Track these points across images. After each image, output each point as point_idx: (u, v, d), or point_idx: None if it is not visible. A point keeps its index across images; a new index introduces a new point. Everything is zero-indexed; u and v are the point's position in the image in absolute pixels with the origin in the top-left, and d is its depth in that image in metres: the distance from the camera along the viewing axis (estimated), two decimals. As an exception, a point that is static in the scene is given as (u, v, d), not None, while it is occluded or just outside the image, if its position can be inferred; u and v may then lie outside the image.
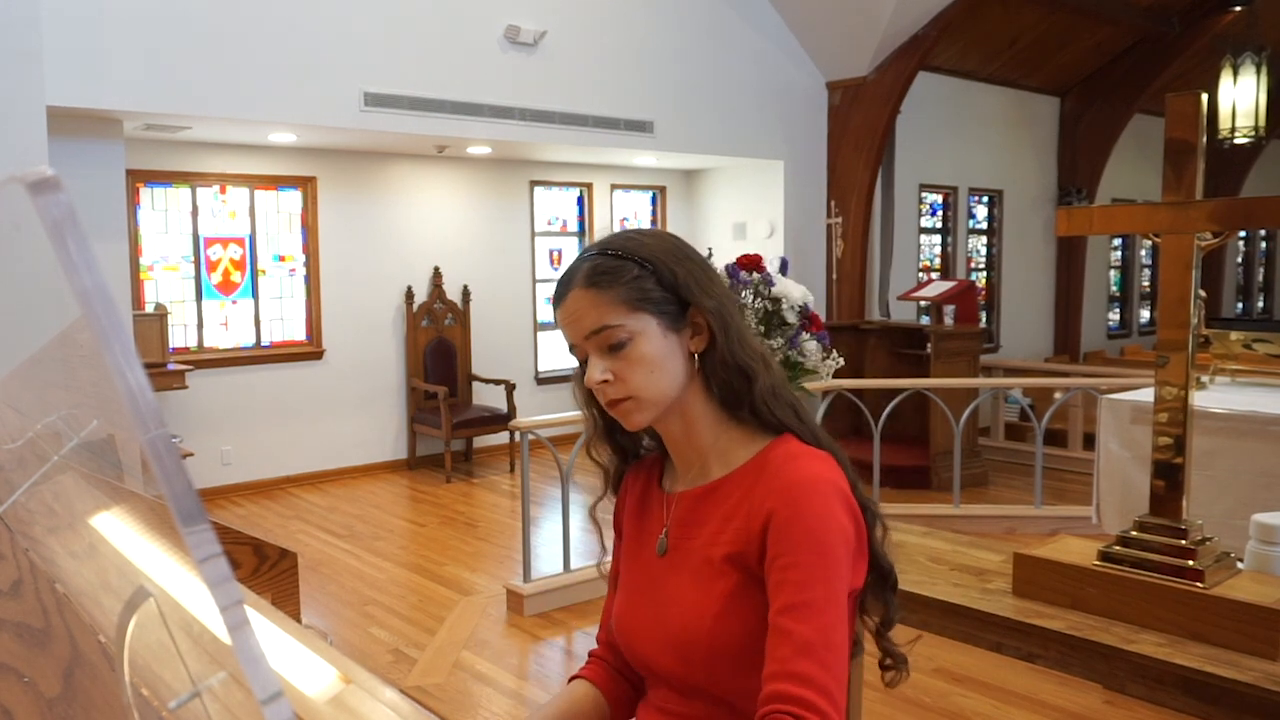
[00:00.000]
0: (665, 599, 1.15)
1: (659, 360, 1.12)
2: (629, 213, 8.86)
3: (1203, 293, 2.07)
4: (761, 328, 2.11)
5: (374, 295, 7.23)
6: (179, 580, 0.70)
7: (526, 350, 8.14)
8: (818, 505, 1.06)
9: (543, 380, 8.22)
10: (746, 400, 1.15)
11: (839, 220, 8.26)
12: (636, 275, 1.11)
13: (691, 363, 1.15)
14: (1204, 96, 1.73)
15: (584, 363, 1.15)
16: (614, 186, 8.66)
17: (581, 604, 4.38)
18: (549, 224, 8.38)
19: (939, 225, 9.98)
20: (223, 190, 6.75)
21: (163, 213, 6.52)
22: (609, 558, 1.34)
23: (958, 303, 6.98)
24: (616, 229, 1.33)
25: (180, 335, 6.58)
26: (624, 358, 1.11)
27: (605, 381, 1.11)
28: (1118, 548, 1.80)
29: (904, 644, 1.21)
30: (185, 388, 6.02)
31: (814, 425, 1.17)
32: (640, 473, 1.29)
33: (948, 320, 6.95)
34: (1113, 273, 12.35)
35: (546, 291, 8.37)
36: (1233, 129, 7.77)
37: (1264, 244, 15.09)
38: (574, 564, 4.53)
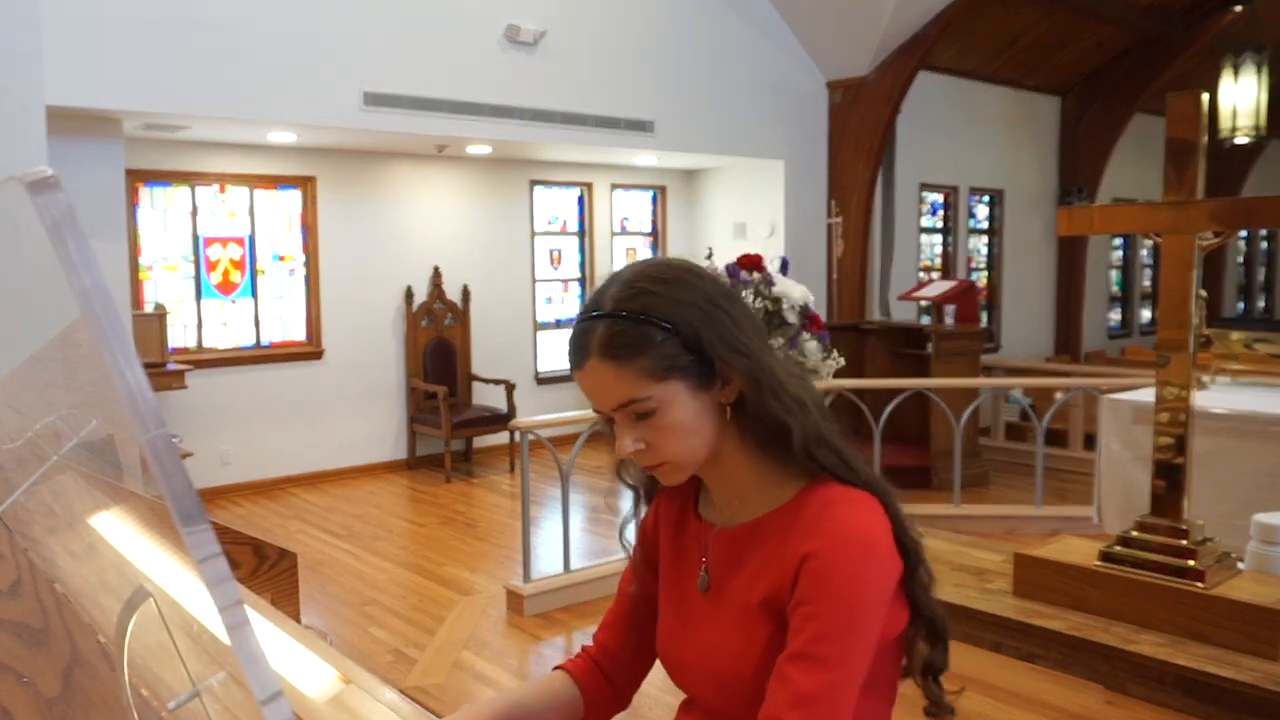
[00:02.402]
0: (708, 638, 1.14)
1: (691, 424, 1.07)
2: (629, 212, 8.85)
3: (1204, 293, 2.06)
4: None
5: (374, 295, 7.23)
6: (179, 580, 0.70)
7: (526, 350, 8.14)
8: (853, 558, 1.03)
9: (543, 380, 8.22)
10: (786, 450, 1.10)
11: (839, 220, 8.26)
12: (660, 341, 1.04)
13: (724, 413, 1.11)
14: (1205, 96, 1.73)
15: (607, 422, 1.12)
16: (614, 186, 8.66)
17: (582, 604, 4.38)
18: (549, 224, 8.38)
19: (939, 225, 9.98)
20: (222, 190, 6.75)
21: (162, 212, 6.52)
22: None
23: (958, 303, 6.98)
24: (651, 258, 1.24)
25: (180, 335, 6.58)
26: (654, 426, 1.06)
27: (638, 450, 1.08)
28: (1118, 548, 1.80)
29: (950, 693, 1.17)
30: (185, 388, 6.01)
31: (860, 465, 1.13)
32: (676, 498, 1.26)
33: (948, 320, 6.95)
34: (1113, 272, 12.34)
35: (547, 291, 8.37)
36: (1233, 129, 7.76)
37: (1265, 244, 15.09)
38: (574, 564, 4.53)
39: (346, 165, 7.07)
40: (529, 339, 8.16)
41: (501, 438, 7.52)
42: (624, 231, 8.83)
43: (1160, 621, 1.68)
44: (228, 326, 6.82)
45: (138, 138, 5.94)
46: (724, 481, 1.16)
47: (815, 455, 1.09)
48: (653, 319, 1.04)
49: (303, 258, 7.06)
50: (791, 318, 2.00)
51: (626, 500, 5.33)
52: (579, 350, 1.07)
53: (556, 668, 1.29)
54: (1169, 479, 1.76)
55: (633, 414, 1.06)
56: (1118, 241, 12.19)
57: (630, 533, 1.32)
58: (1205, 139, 1.74)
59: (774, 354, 1.14)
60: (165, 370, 5.78)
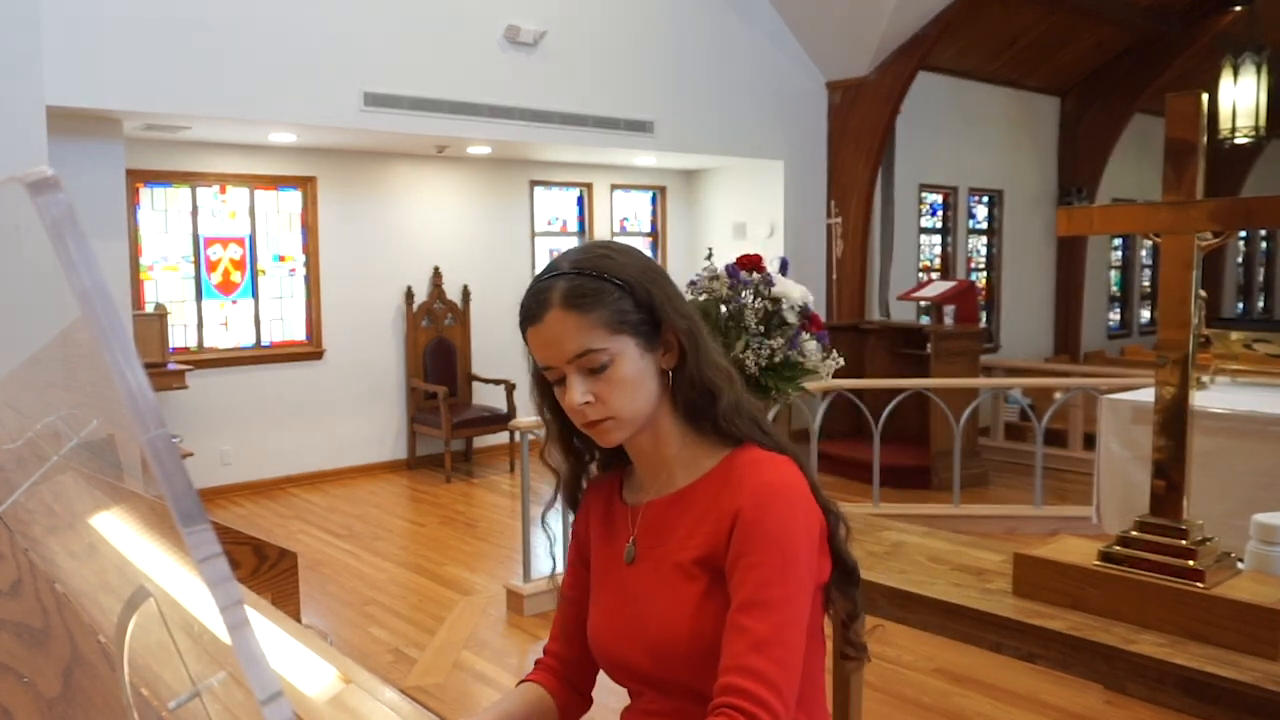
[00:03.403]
0: (639, 605, 1.18)
1: (638, 381, 1.14)
2: (629, 212, 8.86)
3: (1203, 293, 2.06)
4: (761, 328, 2.11)
5: (374, 295, 7.23)
6: (179, 580, 0.70)
7: (526, 350, 8.13)
8: (780, 508, 1.10)
9: (543, 380, 8.21)
10: (709, 416, 1.18)
11: (839, 220, 8.26)
12: (616, 296, 1.12)
13: (663, 379, 1.18)
14: (1204, 96, 1.73)
15: (556, 381, 1.16)
16: (614, 186, 8.66)
17: (581, 604, 4.38)
18: (549, 224, 8.38)
19: (939, 225, 9.98)
20: (223, 190, 6.75)
21: (163, 213, 6.52)
22: (559, 570, 1.38)
23: (958, 303, 6.98)
24: (600, 236, 1.30)
25: (180, 335, 6.58)
26: (605, 380, 1.12)
27: (587, 404, 1.13)
28: (1118, 548, 1.80)
29: (865, 633, 1.25)
30: (185, 388, 6.02)
31: (775, 433, 1.21)
32: (600, 491, 1.31)
33: (948, 320, 6.95)
34: (1113, 273, 12.35)
35: (546, 291, 8.36)
36: (1233, 129, 7.77)
37: (1264, 244, 15.09)
38: (574, 564, 4.53)
39: (347, 165, 7.07)
40: (529, 339, 8.16)
41: (501, 438, 7.52)
42: (624, 232, 8.83)
43: (1160, 621, 1.68)
44: (228, 326, 6.82)
45: (138, 138, 5.94)
46: (652, 452, 1.21)
47: (737, 424, 1.18)
48: (609, 276, 1.13)
49: (303, 258, 7.06)
50: (791, 318, 2.00)
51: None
52: (538, 305, 1.13)
53: (521, 682, 1.32)
54: (1168, 479, 1.76)
55: (585, 366, 1.12)
56: (1117, 242, 12.19)
57: (554, 522, 1.37)
58: (1205, 139, 1.73)
59: (706, 330, 1.23)
60: (165, 370, 5.79)
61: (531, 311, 1.15)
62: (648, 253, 9.56)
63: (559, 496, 1.34)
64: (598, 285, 1.12)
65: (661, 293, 1.16)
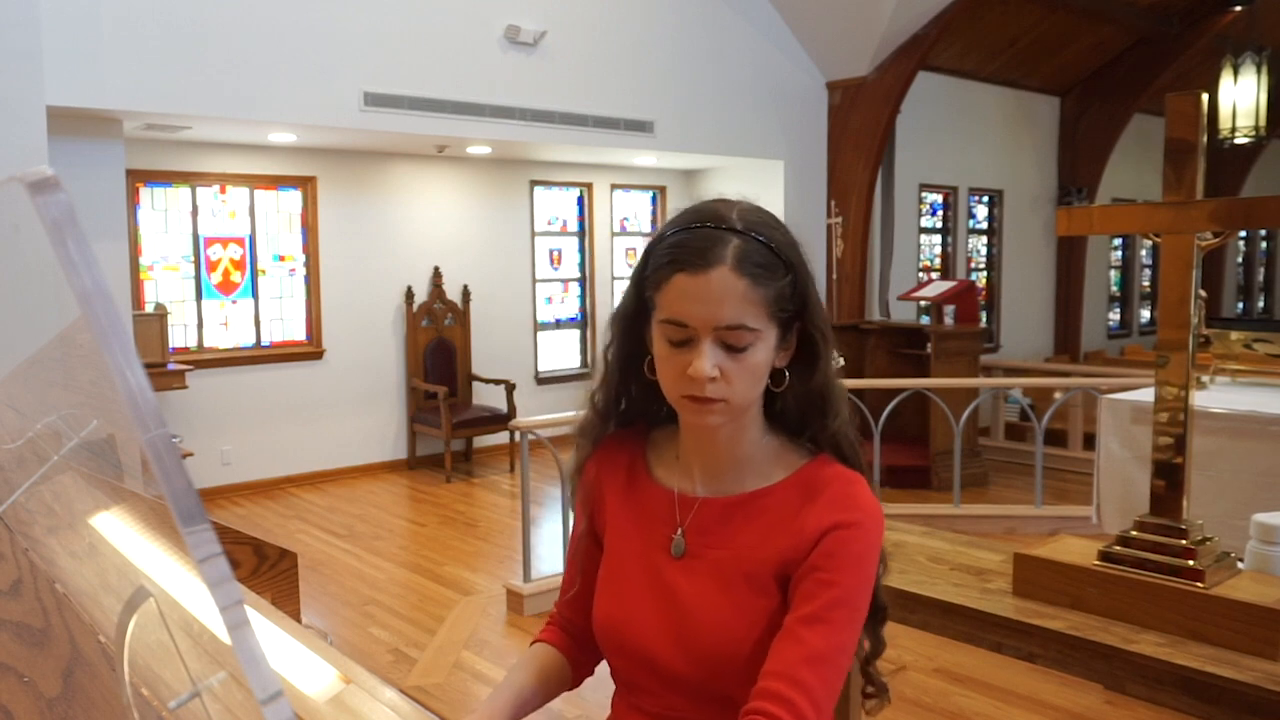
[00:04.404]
0: (686, 607, 1.10)
1: (763, 372, 1.06)
2: (629, 212, 8.86)
3: (1203, 293, 2.06)
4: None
5: (374, 295, 7.23)
6: (179, 580, 0.70)
7: (526, 350, 8.14)
8: (872, 535, 1.07)
9: (543, 380, 8.22)
10: (813, 427, 1.12)
11: (839, 220, 8.26)
12: (784, 279, 1.03)
13: (773, 377, 1.09)
14: (1204, 96, 1.73)
15: (679, 341, 1.03)
16: (614, 186, 8.66)
17: (581, 604, 4.37)
18: (549, 224, 8.38)
19: (939, 225, 9.98)
20: (223, 190, 6.75)
21: (163, 212, 6.52)
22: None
23: (958, 303, 6.98)
24: (600, 236, 1.22)
25: (180, 335, 6.58)
26: (739, 360, 1.03)
27: (713, 379, 1.02)
28: (1118, 548, 1.80)
29: (887, 673, 1.22)
30: (185, 388, 6.02)
31: (859, 449, 1.15)
32: (618, 456, 1.22)
33: (948, 320, 6.95)
34: (1113, 273, 12.35)
35: (547, 292, 8.36)
36: (1233, 129, 7.77)
37: (1264, 244, 15.09)
38: (574, 564, 4.53)
39: (347, 165, 7.07)
40: (529, 339, 8.16)
41: (501, 438, 7.52)
42: (624, 232, 8.83)
43: (1160, 621, 1.68)
44: (228, 326, 6.82)
45: (138, 138, 5.94)
46: (725, 446, 1.13)
47: (840, 437, 1.12)
48: (783, 255, 1.04)
49: (303, 258, 7.06)
50: (791, 318, 2.02)
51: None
52: (706, 254, 1.01)
53: (534, 642, 1.28)
54: (1168, 479, 1.76)
55: (728, 340, 1.02)
56: (1117, 242, 12.19)
57: (554, 523, 1.32)
58: (1205, 139, 1.73)
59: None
60: (166, 370, 5.79)
61: (695, 258, 1.01)
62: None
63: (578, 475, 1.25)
64: (772, 260, 1.03)
65: (814, 289, 1.08)
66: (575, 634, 1.27)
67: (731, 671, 1.07)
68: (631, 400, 1.20)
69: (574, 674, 1.27)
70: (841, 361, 2.17)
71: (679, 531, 1.14)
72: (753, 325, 1.02)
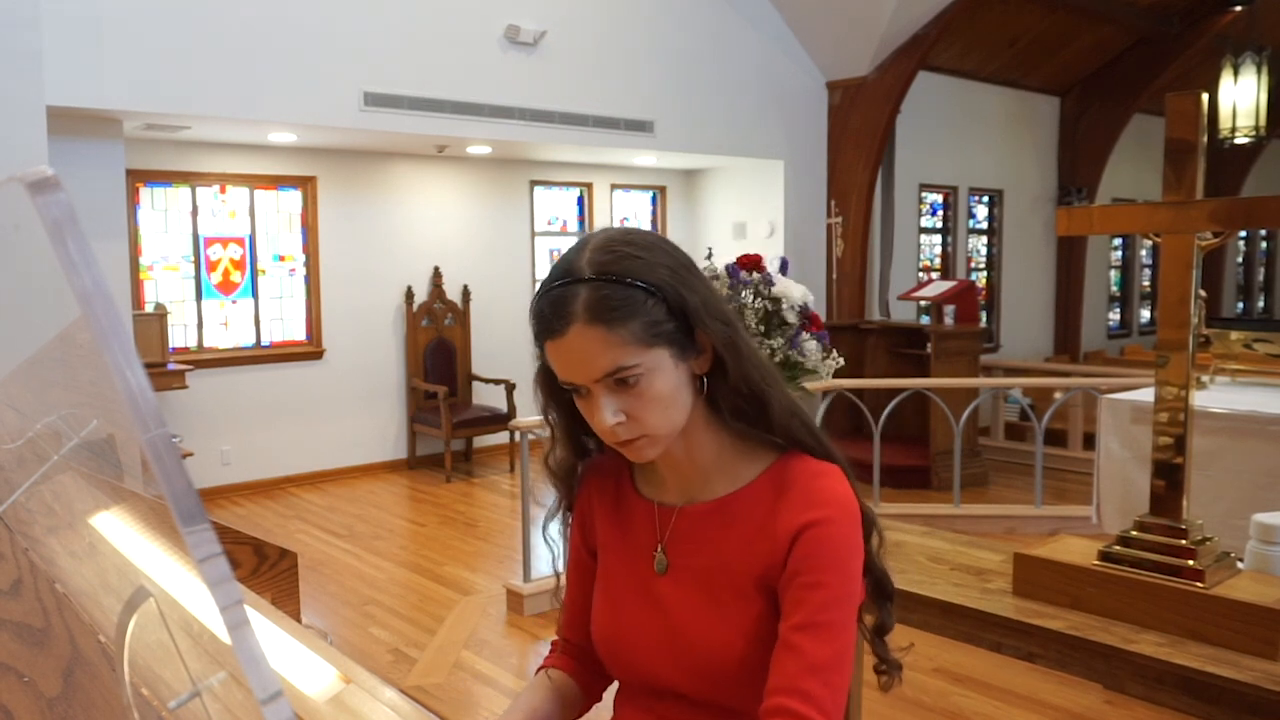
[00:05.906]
0: (675, 619, 1.11)
1: (672, 394, 1.04)
2: (629, 213, 8.86)
3: (1203, 292, 2.06)
4: (761, 328, 2.11)
5: (374, 295, 7.23)
6: (179, 580, 0.70)
7: (526, 350, 8.03)
8: (846, 528, 1.05)
9: (543, 380, 8.21)
10: (760, 423, 1.10)
11: (839, 220, 8.26)
12: (648, 305, 1.00)
13: (697, 385, 1.08)
14: (1204, 96, 1.73)
15: (577, 393, 1.06)
16: (614, 186, 8.66)
17: (581, 604, 4.38)
18: (549, 224, 8.38)
19: (939, 225, 9.98)
20: (223, 190, 6.75)
21: (163, 212, 6.52)
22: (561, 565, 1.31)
23: (958, 303, 6.98)
24: (608, 226, 1.19)
25: (180, 335, 6.58)
26: (637, 395, 1.02)
27: (619, 424, 1.03)
28: (1118, 548, 1.80)
29: (897, 650, 1.20)
30: (185, 388, 6.02)
31: (823, 438, 1.13)
32: (606, 472, 1.23)
33: (948, 320, 6.95)
34: (1113, 273, 12.35)
35: (546, 291, 8.35)
36: (1233, 129, 7.77)
37: (1264, 244, 15.09)
38: (574, 564, 4.52)
39: (346, 165, 7.07)
40: (529, 339, 8.13)
41: (501, 437, 7.52)
42: (624, 231, 8.82)
43: (1160, 621, 1.68)
44: (228, 326, 6.82)
45: (138, 138, 5.94)
46: (685, 458, 1.12)
47: (791, 426, 1.10)
48: (638, 282, 1.00)
49: (303, 258, 7.06)
50: (791, 318, 2.00)
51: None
52: (558, 317, 1.01)
53: (541, 668, 1.28)
54: (1168, 479, 1.76)
55: (614, 384, 1.01)
56: (1117, 241, 12.19)
57: (554, 530, 1.32)
58: (1205, 139, 1.73)
59: (743, 325, 1.14)
60: (165, 370, 5.79)
61: (550, 324, 1.02)
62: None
63: (563, 506, 1.27)
64: (626, 294, 0.99)
65: (695, 295, 1.04)
66: (581, 658, 1.27)
67: (729, 682, 1.07)
68: (592, 438, 1.20)
69: (585, 697, 1.27)
70: (841, 361, 2.17)
71: (659, 548, 1.14)
72: (630, 363, 1.00)
